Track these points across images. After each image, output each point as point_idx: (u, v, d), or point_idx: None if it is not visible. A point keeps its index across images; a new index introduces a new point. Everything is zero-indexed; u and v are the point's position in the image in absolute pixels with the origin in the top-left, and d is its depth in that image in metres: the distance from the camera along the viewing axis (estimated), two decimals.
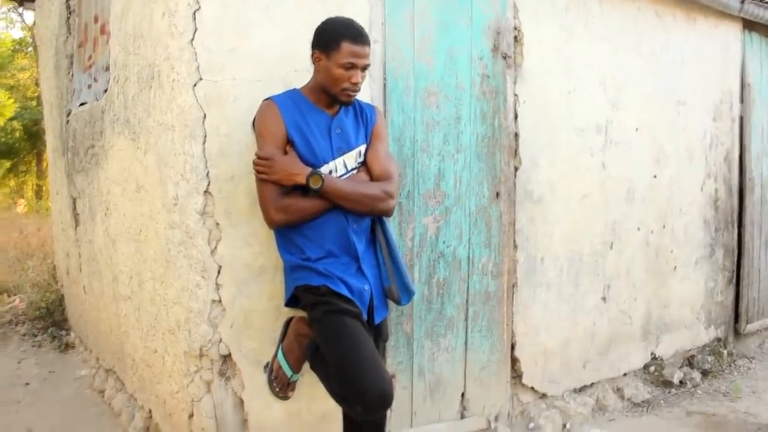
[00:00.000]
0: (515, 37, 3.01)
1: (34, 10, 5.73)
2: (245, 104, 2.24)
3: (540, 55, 3.11)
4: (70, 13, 3.95)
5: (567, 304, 3.30)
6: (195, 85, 2.20)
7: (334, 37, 1.98)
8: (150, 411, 2.94)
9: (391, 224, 2.54)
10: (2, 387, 3.72)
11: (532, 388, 3.18)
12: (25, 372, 3.99)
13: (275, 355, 2.17)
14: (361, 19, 2.26)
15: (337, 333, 1.92)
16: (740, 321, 4.37)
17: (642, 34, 3.60)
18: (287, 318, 2.23)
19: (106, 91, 3.16)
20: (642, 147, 3.64)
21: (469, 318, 2.90)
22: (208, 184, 2.24)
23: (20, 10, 16.16)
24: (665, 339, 3.87)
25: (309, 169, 1.97)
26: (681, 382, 3.77)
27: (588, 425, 3.20)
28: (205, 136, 2.22)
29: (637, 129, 3.60)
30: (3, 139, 15.86)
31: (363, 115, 2.17)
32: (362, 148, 2.13)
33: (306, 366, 2.14)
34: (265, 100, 2.08)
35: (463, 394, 2.92)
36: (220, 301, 2.29)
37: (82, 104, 3.70)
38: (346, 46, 1.97)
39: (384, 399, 1.84)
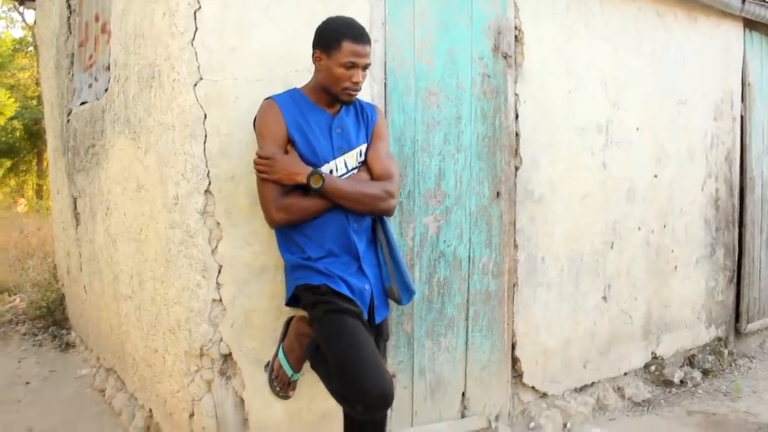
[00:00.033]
0: (516, 37, 3.01)
1: (34, 9, 5.74)
2: (246, 104, 2.24)
3: (541, 55, 3.11)
4: (70, 12, 3.95)
5: (568, 304, 3.31)
6: (195, 84, 2.20)
7: (335, 37, 1.98)
8: (150, 410, 2.94)
9: (392, 224, 2.54)
10: (3, 386, 3.72)
11: (533, 387, 3.18)
12: (26, 371, 3.99)
13: (276, 355, 2.17)
14: (362, 19, 2.26)
15: (337, 332, 1.92)
16: (741, 320, 4.38)
17: (643, 34, 3.60)
18: (288, 317, 2.23)
19: (106, 90, 3.16)
20: (643, 146, 3.64)
21: (470, 317, 2.90)
22: (209, 184, 2.24)
23: (21, 9, 16.21)
24: (666, 338, 3.87)
25: (310, 169, 1.97)
26: (682, 381, 3.77)
27: (589, 425, 3.20)
28: (206, 136, 2.22)
29: (637, 128, 3.60)
30: (3, 139, 15.87)
31: (364, 115, 2.17)
32: (363, 147, 2.13)
33: (306, 365, 2.14)
34: (266, 99, 2.08)
35: (463, 394, 2.92)
36: (220, 300, 2.29)
37: (82, 103, 3.70)
38: (347, 46, 1.97)
39: (385, 398, 1.84)
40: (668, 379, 3.73)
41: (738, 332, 4.39)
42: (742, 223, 4.38)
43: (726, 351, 4.18)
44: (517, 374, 3.12)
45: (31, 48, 17.11)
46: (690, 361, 4.02)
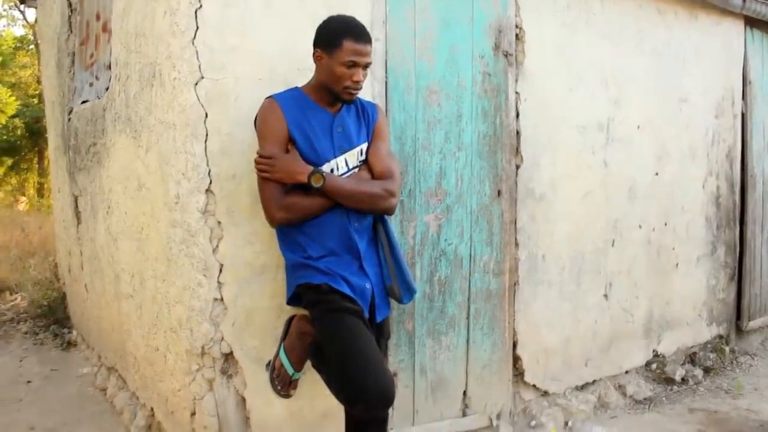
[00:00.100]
0: (517, 35, 3.01)
1: (35, 7, 5.74)
2: (247, 103, 2.24)
3: (541, 53, 3.10)
4: (71, 11, 3.95)
5: (569, 302, 3.30)
6: (196, 83, 2.20)
7: (336, 36, 1.98)
8: (152, 409, 2.95)
9: (393, 222, 2.54)
10: (4, 385, 3.72)
11: (534, 385, 3.18)
12: (27, 370, 3.99)
13: (277, 354, 2.17)
14: (363, 18, 2.26)
15: (338, 331, 1.93)
16: (742, 318, 4.37)
17: (643, 32, 3.60)
18: (289, 316, 2.24)
19: (107, 89, 3.16)
20: (644, 144, 3.64)
21: (471, 316, 2.90)
22: (210, 183, 2.24)
23: (22, 7, 16.19)
24: (667, 336, 3.87)
25: (310, 168, 1.97)
26: (683, 379, 3.77)
27: (590, 423, 3.20)
28: (207, 135, 2.22)
29: (638, 126, 3.60)
30: (4, 137, 15.86)
31: (364, 114, 2.17)
32: (364, 146, 2.13)
33: (308, 364, 2.15)
34: (267, 98, 2.08)
35: (464, 392, 2.92)
36: (221, 299, 2.30)
37: (83, 102, 3.70)
38: (348, 45, 1.96)
39: (386, 397, 1.84)
40: (670, 377, 3.73)
41: (739, 330, 4.39)
42: (743, 221, 4.38)
43: (727, 348, 4.18)
44: (518, 373, 3.12)
45: (32, 46, 17.10)
46: (691, 358, 4.02)
